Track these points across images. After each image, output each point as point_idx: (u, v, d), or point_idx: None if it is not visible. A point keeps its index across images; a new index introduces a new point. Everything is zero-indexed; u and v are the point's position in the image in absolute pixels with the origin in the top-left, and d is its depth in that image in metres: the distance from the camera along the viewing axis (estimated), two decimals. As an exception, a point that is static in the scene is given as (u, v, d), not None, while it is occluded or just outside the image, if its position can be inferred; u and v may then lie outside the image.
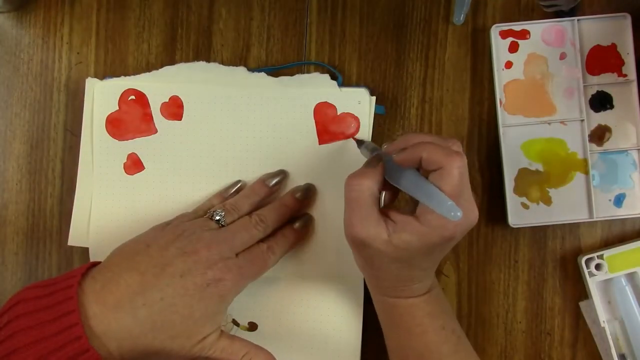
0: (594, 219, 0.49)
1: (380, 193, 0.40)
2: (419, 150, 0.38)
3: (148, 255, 0.40)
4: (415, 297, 0.42)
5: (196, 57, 0.51)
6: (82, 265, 0.41)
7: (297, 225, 0.47)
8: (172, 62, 0.51)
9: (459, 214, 0.35)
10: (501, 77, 0.50)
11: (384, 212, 0.39)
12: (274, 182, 0.48)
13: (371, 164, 0.40)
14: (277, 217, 0.46)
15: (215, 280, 0.40)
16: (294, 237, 0.47)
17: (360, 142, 0.46)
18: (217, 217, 0.44)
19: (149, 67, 0.51)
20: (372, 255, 0.40)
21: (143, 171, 0.50)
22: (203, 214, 0.45)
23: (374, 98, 0.50)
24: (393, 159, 0.39)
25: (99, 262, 0.42)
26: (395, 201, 0.42)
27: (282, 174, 0.49)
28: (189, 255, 0.40)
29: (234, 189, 0.48)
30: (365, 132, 0.49)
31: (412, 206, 0.40)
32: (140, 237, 0.43)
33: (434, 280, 0.44)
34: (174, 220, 0.45)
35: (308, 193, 0.48)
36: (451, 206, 0.35)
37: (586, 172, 0.50)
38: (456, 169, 0.36)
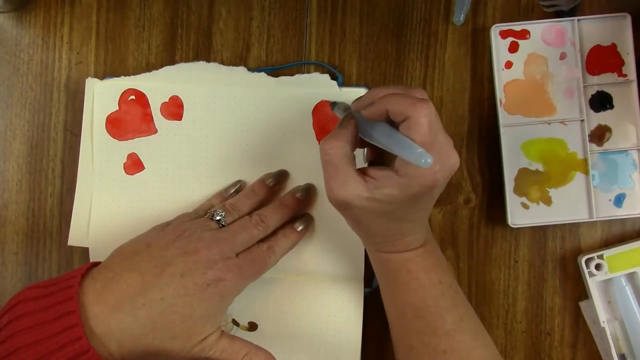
0: (594, 219, 0.49)
1: (354, 151, 0.40)
2: (384, 103, 0.37)
3: (149, 255, 0.40)
4: (410, 250, 0.42)
5: (196, 57, 0.51)
6: (82, 265, 0.41)
7: (297, 225, 0.47)
8: (172, 62, 0.51)
9: (429, 160, 0.34)
10: (501, 77, 0.50)
11: (363, 171, 0.39)
12: (274, 182, 0.48)
13: (343, 125, 0.40)
14: (278, 217, 0.46)
15: (215, 280, 0.40)
16: (294, 237, 0.47)
17: (333, 104, 0.46)
18: (218, 217, 0.44)
19: (149, 67, 0.51)
20: (357, 215, 0.40)
21: (143, 171, 0.50)
22: (203, 214, 0.45)
23: (374, 98, 0.50)
24: (362, 114, 0.39)
25: (99, 262, 0.42)
26: (378, 157, 0.42)
27: (283, 174, 0.49)
28: (189, 255, 0.40)
29: (234, 189, 0.48)
30: (365, 132, 0.49)
31: (390, 161, 0.39)
32: (141, 237, 0.43)
33: (429, 235, 0.44)
34: (175, 220, 0.45)
35: (308, 193, 0.48)
36: (421, 153, 0.34)
37: (586, 172, 0.50)
38: (423, 117, 0.36)
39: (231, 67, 0.50)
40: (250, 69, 0.50)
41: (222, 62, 0.51)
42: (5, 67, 0.52)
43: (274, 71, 0.51)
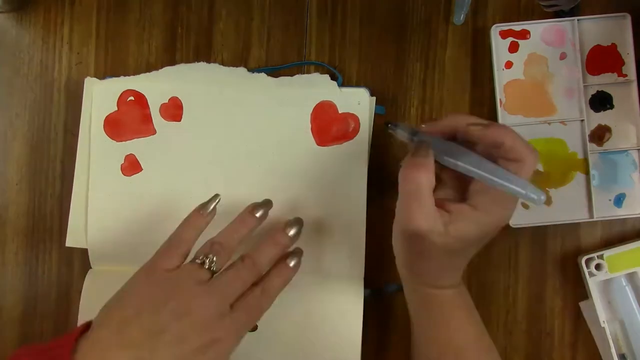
0: (594, 219, 0.49)
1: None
2: (502, 135, 0.37)
3: (139, 324, 0.38)
4: (453, 287, 0.42)
5: (196, 58, 0.51)
6: (73, 331, 0.38)
7: (289, 260, 0.44)
8: (172, 63, 0.51)
9: (542, 197, 0.33)
10: (501, 77, 0.50)
11: (436, 203, 0.38)
12: (261, 212, 0.45)
13: (421, 152, 0.39)
14: (270, 257, 0.43)
15: (213, 342, 0.38)
16: (287, 274, 0.44)
17: (393, 126, 0.43)
18: (208, 264, 0.41)
19: (149, 68, 0.51)
20: (425, 248, 0.39)
21: (140, 172, 0.50)
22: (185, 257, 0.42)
23: (374, 98, 0.50)
24: (472, 131, 0.38)
25: (90, 324, 0.39)
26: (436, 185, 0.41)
27: (269, 204, 0.46)
28: (183, 317, 0.38)
29: (213, 205, 0.44)
30: (365, 132, 0.49)
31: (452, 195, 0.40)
32: (127, 297, 0.40)
33: None
34: (157, 259, 0.41)
35: (300, 229, 0.45)
36: (536, 190, 0.33)
37: (586, 172, 0.50)
38: (533, 165, 0.36)
39: (231, 68, 0.50)
40: (250, 70, 0.50)
41: (222, 63, 0.51)
42: (6, 68, 0.52)
43: (274, 71, 0.51)
